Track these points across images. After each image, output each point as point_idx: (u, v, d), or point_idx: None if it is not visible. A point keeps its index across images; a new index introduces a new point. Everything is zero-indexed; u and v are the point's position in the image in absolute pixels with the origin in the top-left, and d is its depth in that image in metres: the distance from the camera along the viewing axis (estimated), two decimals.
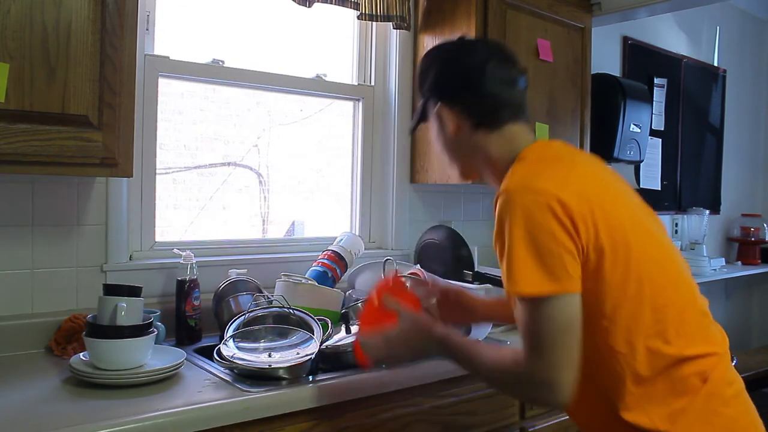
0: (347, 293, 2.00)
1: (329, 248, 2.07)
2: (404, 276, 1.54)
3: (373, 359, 1.30)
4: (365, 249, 2.19)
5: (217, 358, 1.49)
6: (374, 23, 2.35)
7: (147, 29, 1.87)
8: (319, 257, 2.05)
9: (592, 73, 2.65)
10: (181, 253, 1.83)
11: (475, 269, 2.17)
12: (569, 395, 1.06)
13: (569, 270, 1.06)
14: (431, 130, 1.35)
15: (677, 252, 1.26)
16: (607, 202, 1.14)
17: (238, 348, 1.53)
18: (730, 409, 1.13)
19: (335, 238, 2.14)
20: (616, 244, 1.10)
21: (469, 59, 1.28)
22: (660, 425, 1.10)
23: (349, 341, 1.65)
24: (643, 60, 3.48)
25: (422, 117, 1.36)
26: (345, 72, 2.40)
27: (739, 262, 4.13)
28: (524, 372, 1.09)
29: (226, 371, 1.49)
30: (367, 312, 1.37)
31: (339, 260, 2.03)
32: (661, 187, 3.56)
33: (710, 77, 4.00)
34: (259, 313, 1.68)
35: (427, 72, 1.33)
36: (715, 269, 3.75)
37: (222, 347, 1.51)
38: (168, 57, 1.92)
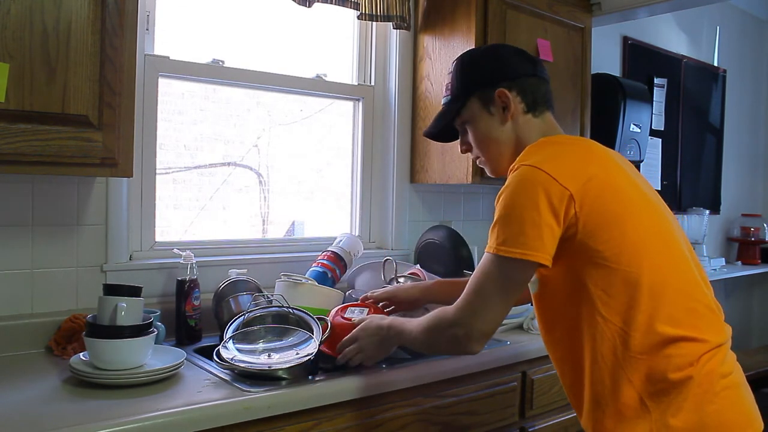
0: (347, 293, 2.00)
1: (329, 249, 2.07)
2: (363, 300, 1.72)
3: (343, 356, 1.49)
4: (365, 249, 2.19)
5: (217, 360, 1.49)
6: (374, 23, 2.35)
7: (147, 29, 1.87)
8: (319, 258, 2.05)
9: (592, 73, 2.65)
10: (181, 253, 1.83)
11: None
12: (477, 343, 1.21)
13: (544, 243, 1.15)
14: (474, 126, 1.39)
15: (687, 245, 1.28)
16: (616, 183, 1.21)
17: (238, 350, 1.53)
18: (716, 404, 1.13)
19: (335, 238, 2.14)
20: (612, 222, 1.17)
21: (515, 50, 1.42)
22: (640, 398, 1.14)
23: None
24: (643, 60, 3.48)
25: (457, 114, 1.39)
26: (345, 72, 2.40)
27: (739, 262, 4.13)
28: (450, 312, 1.23)
29: (226, 371, 1.49)
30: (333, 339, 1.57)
31: (338, 261, 2.04)
32: (661, 187, 3.57)
33: (710, 77, 4.00)
34: (259, 313, 1.68)
35: (474, 65, 1.39)
36: (715, 269, 3.75)
37: (221, 349, 1.51)
38: (168, 57, 1.92)
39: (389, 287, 1.78)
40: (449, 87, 1.42)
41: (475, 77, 1.38)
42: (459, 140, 1.47)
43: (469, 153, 1.45)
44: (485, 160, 1.42)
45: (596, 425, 1.21)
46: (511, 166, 1.24)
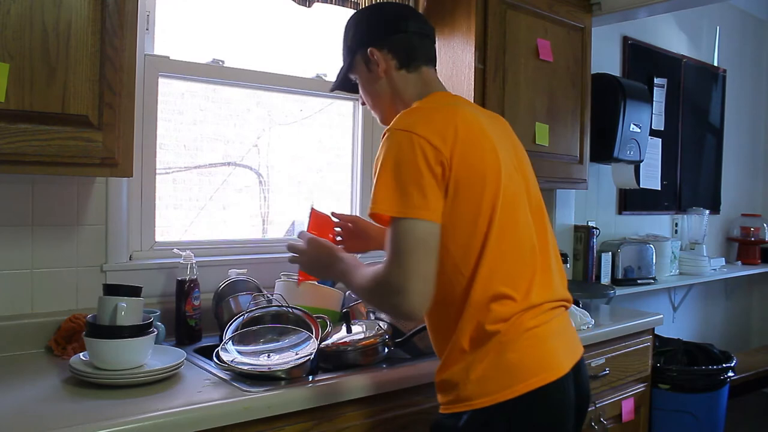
0: (347, 293, 2.00)
1: None
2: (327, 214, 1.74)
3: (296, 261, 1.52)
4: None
5: (217, 361, 1.49)
6: None
7: (147, 29, 1.87)
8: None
9: (592, 73, 2.65)
10: (181, 253, 1.83)
11: None
12: (419, 305, 1.21)
13: (428, 200, 1.22)
14: (360, 82, 1.51)
15: (540, 212, 1.42)
16: (479, 148, 1.30)
17: (238, 351, 1.53)
18: (515, 352, 1.26)
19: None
20: (474, 184, 1.27)
21: (392, 9, 1.52)
22: (465, 345, 1.28)
23: (349, 340, 1.65)
24: (643, 60, 3.48)
25: (348, 71, 1.52)
26: None
27: (739, 262, 4.13)
28: (382, 279, 1.24)
29: (227, 372, 1.49)
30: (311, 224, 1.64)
31: None
32: (661, 187, 3.56)
33: (710, 77, 4.00)
34: (258, 313, 1.68)
35: (356, 26, 1.51)
36: (715, 269, 3.75)
37: (221, 351, 1.51)
38: (168, 57, 1.92)
39: (358, 216, 1.81)
40: (342, 45, 1.55)
41: (355, 38, 1.49)
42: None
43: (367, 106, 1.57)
44: (373, 111, 1.55)
45: (439, 368, 1.34)
46: (383, 131, 1.31)
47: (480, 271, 1.27)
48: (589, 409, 2.09)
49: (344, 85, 1.57)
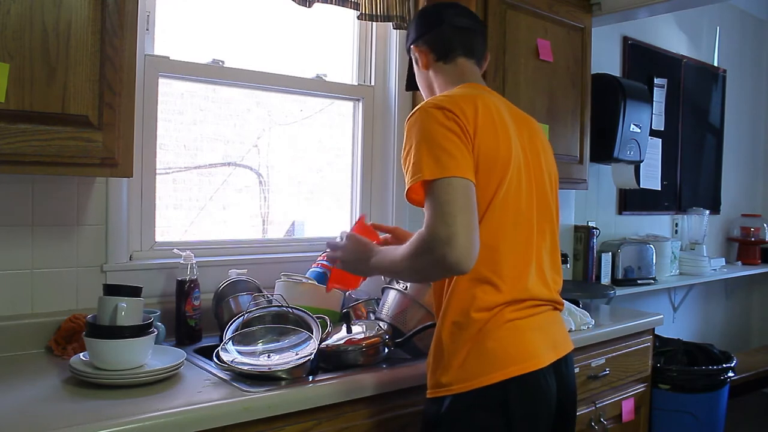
0: (347, 293, 2.00)
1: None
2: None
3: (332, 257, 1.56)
4: None
5: (217, 361, 1.49)
6: (374, 23, 2.35)
7: (147, 29, 1.87)
8: (319, 258, 2.05)
9: (592, 73, 2.65)
10: (181, 253, 1.83)
11: None
12: (467, 254, 1.21)
13: (459, 161, 1.26)
14: (416, 74, 1.63)
15: (548, 211, 1.46)
16: (494, 133, 1.34)
17: (238, 351, 1.53)
18: (494, 341, 1.30)
19: (335, 238, 2.13)
20: (483, 167, 1.31)
21: (433, 7, 1.59)
22: (449, 331, 1.32)
23: (349, 340, 1.65)
24: (643, 60, 3.48)
25: (411, 68, 1.65)
26: (345, 72, 2.40)
27: (739, 262, 4.13)
28: (427, 235, 1.24)
29: (227, 372, 1.49)
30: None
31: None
32: (661, 187, 3.56)
33: (710, 77, 4.00)
34: (258, 313, 1.68)
35: (408, 30, 1.65)
36: (715, 269, 3.75)
37: (221, 352, 1.51)
38: (168, 57, 1.92)
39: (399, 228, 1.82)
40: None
41: (407, 40, 1.63)
42: None
43: None
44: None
45: (429, 354, 1.39)
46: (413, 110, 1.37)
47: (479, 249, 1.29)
48: (589, 409, 2.11)
49: (412, 82, 1.68)
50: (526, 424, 1.30)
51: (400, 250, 1.34)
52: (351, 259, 1.51)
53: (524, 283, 1.36)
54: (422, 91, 1.63)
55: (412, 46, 1.59)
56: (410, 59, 1.64)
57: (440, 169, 1.25)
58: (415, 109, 1.36)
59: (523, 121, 1.51)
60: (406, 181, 1.32)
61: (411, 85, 1.71)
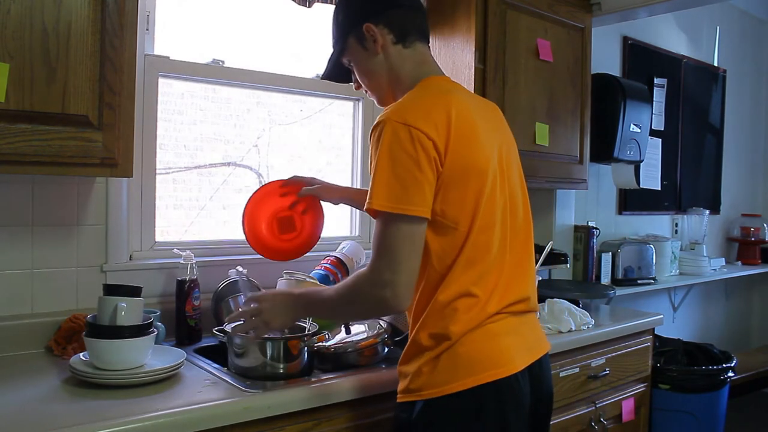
0: None
1: (332, 254, 2.09)
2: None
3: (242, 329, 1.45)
4: (365, 250, 2.19)
5: (217, 332, 1.48)
6: None
7: (147, 29, 1.87)
8: (322, 262, 2.07)
9: (592, 73, 2.65)
10: (181, 253, 1.83)
11: None
12: (406, 298, 1.23)
13: (424, 197, 1.23)
14: (355, 63, 1.47)
15: (522, 213, 1.42)
16: (469, 145, 1.29)
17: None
18: (465, 347, 1.28)
19: (335, 238, 2.14)
20: (461, 183, 1.27)
21: None
22: (424, 340, 1.29)
23: (349, 340, 1.65)
24: (643, 60, 3.48)
25: (340, 55, 1.49)
26: None
27: (739, 262, 4.13)
28: (367, 275, 1.25)
29: (226, 371, 1.49)
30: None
31: (341, 266, 2.06)
32: (661, 187, 3.56)
33: (710, 77, 4.00)
34: None
35: (347, 7, 1.47)
36: (715, 269, 3.75)
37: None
38: (168, 57, 1.92)
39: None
40: (331, 32, 1.52)
41: (348, 18, 1.45)
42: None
43: (363, 89, 1.52)
44: (370, 93, 1.51)
45: (400, 359, 1.36)
46: (376, 121, 1.28)
47: (455, 269, 1.28)
48: (589, 409, 2.11)
49: (336, 72, 1.53)
50: (499, 429, 1.28)
51: (332, 290, 1.34)
52: (277, 314, 1.40)
53: (500, 288, 1.33)
54: (366, 78, 1.47)
55: (365, 25, 1.40)
56: (343, 43, 1.46)
57: (398, 203, 1.22)
58: (380, 118, 1.27)
59: (489, 113, 1.45)
60: (368, 196, 1.26)
61: (334, 74, 1.54)
